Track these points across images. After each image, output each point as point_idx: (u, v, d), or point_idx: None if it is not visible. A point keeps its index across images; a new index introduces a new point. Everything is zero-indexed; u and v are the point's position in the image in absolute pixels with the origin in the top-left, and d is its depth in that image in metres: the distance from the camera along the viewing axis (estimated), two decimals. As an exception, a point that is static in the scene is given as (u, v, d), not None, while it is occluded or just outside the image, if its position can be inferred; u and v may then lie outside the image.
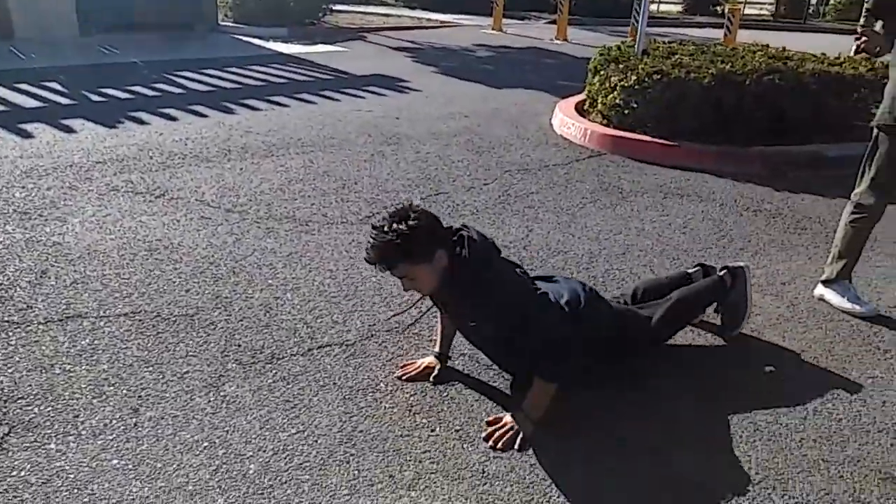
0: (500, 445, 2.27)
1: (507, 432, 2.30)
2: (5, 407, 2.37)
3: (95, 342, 2.77)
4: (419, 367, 2.64)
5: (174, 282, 3.30)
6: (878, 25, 2.93)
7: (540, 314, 2.36)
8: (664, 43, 7.26)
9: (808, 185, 5.13)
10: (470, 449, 2.27)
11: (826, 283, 3.36)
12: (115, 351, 2.72)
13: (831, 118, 5.89)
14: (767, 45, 7.11)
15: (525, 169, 5.34)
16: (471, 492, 2.09)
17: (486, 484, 2.12)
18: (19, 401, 2.40)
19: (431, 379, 2.60)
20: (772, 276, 3.65)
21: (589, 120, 6.39)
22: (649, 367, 2.75)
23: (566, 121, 6.42)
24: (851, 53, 6.69)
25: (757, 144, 5.66)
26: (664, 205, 4.68)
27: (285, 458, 2.19)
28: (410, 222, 2.22)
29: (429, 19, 15.99)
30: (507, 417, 2.35)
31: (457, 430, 2.36)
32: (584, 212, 4.49)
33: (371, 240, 2.28)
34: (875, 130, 3.11)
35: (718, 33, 13.66)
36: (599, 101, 6.29)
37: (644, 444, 2.32)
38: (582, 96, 7.16)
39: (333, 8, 14.35)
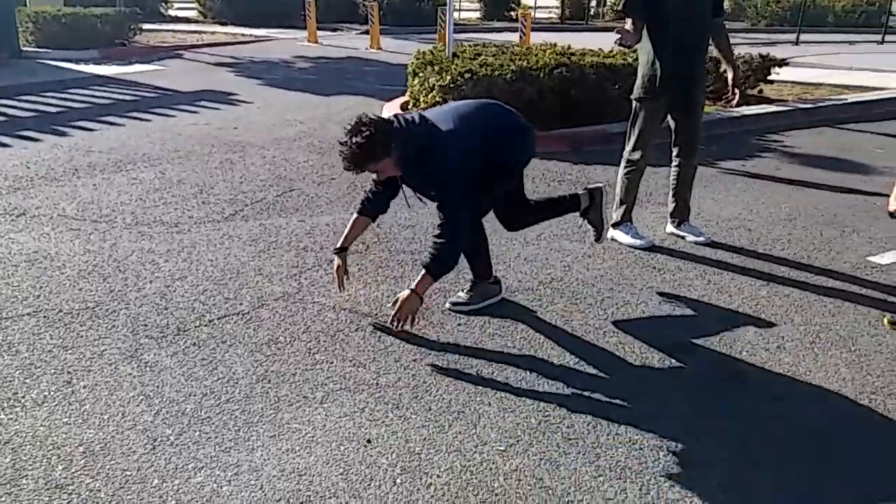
0: (395, 320, 3.02)
1: (398, 309, 3.01)
2: (-54, 395, 2.65)
3: (8, 338, 3.06)
4: (337, 274, 3.29)
5: (65, 284, 3.60)
6: (629, 23, 3.87)
7: (453, 197, 2.98)
8: (470, 46, 8.19)
9: (599, 157, 6.20)
10: (363, 371, 2.88)
11: (614, 225, 4.30)
12: (30, 343, 3.04)
13: (611, 101, 7.06)
14: (555, 44, 8.22)
15: (365, 163, 5.97)
16: (369, 398, 2.70)
17: (379, 392, 2.74)
18: (-43, 389, 2.69)
19: (338, 269, 3.28)
20: (574, 228, 4.54)
21: (414, 117, 7.14)
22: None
23: (394, 119, 7.12)
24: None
25: (556, 128, 6.68)
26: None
27: (213, 398, 2.69)
28: (365, 133, 2.83)
29: (243, 34, 16.14)
30: (400, 294, 3.05)
31: (351, 360, 2.96)
32: (421, 193, 5.20)
33: (341, 154, 2.92)
34: (634, 102, 4.07)
35: (515, 36, 15.02)
36: (422, 99, 7.06)
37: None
38: (405, 98, 7.92)
39: (143, 27, 14.13)
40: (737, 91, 4.11)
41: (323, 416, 2.59)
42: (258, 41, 15.44)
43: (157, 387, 2.75)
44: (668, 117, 4.09)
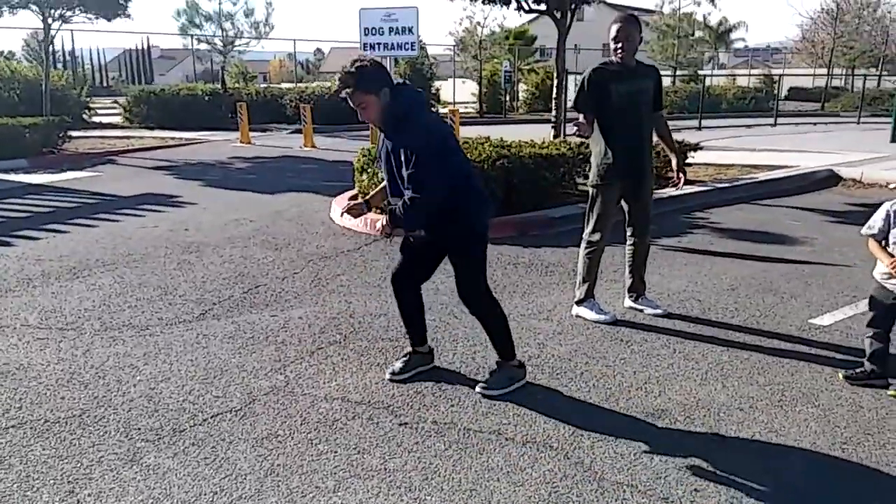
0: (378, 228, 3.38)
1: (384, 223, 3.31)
2: (-56, 514, 2.56)
3: (1, 451, 2.99)
4: (355, 202, 3.64)
5: (44, 394, 3.53)
6: (581, 118, 4.24)
7: (431, 165, 3.16)
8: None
9: (546, 241, 6.52)
10: (369, 457, 2.94)
11: (578, 303, 4.55)
12: (22, 455, 2.97)
13: (548, 187, 7.49)
14: (489, 138, 8.67)
15: (325, 256, 6.11)
16: (381, 483, 2.76)
17: (389, 477, 2.81)
18: (-45, 507, 2.61)
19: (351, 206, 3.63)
20: (540, 307, 4.78)
21: (364, 211, 7.35)
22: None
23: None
24: (551, 138, 8.51)
25: (502, 215, 7.01)
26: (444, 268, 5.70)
27: (225, 496, 2.69)
28: (363, 62, 3.19)
29: (172, 138, 16.20)
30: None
31: (354, 448, 3.02)
32: (388, 283, 5.35)
33: (339, 74, 3.20)
34: (591, 189, 4.40)
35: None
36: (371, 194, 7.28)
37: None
38: (353, 191, 8.15)
39: (72, 135, 14.04)
40: (681, 175, 4.50)
41: (339, 505, 2.63)
42: (189, 144, 15.52)
43: (165, 489, 2.73)
44: (622, 201, 4.43)
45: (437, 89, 27.79)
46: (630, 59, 4.19)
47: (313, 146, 14.71)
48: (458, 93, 29.30)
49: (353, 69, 3.18)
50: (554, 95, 10.07)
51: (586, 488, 2.71)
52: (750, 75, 38.15)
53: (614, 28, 4.12)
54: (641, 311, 4.62)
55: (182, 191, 9.58)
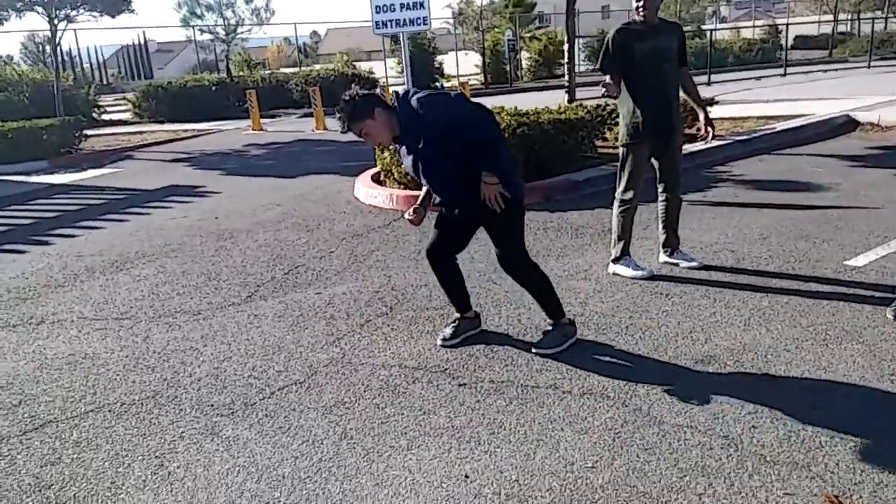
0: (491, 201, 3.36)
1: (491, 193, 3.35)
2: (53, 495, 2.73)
3: (84, 435, 3.15)
4: (416, 212, 3.65)
5: (115, 379, 3.69)
6: (607, 78, 4.30)
7: (468, 116, 3.27)
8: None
9: (572, 204, 6.61)
10: (435, 417, 3.08)
11: (614, 261, 4.65)
12: (107, 436, 3.13)
13: (568, 151, 7.56)
14: (503, 107, 8.71)
15: (357, 234, 6.23)
16: (451, 439, 2.90)
17: (458, 434, 2.94)
18: (68, 484, 2.77)
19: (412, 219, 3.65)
20: (576, 268, 4.88)
21: (388, 187, 7.47)
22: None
23: (371, 192, 7.44)
24: (566, 102, 8.53)
25: (526, 181, 7.09)
26: (476, 237, 5.81)
27: (306, 459, 2.84)
28: (346, 99, 3.38)
29: (184, 130, 16.31)
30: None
31: (420, 409, 3.15)
32: (423, 256, 5.47)
33: (340, 119, 3.41)
34: (621, 148, 4.48)
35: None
36: (394, 171, 7.39)
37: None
38: (375, 170, 8.26)
39: (87, 133, 14.18)
40: (709, 129, 4.57)
41: (415, 462, 2.77)
42: (202, 135, 15.63)
43: (249, 457, 2.88)
44: (652, 158, 4.50)
45: (441, 63, 27.70)
46: (653, 18, 4.24)
47: (325, 128, 14.77)
48: (461, 65, 29.16)
49: (339, 111, 3.40)
50: (566, 60, 10.07)
51: (648, 432, 2.84)
52: (754, 27, 37.69)
53: (636, -13, 4.17)
54: (677, 264, 4.71)
55: (204, 181, 9.71)
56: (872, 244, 4.90)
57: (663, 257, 4.79)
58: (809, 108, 11.26)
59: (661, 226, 4.73)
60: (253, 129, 15.53)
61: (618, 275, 4.61)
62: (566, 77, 10.20)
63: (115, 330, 4.39)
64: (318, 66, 24.27)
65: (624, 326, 3.85)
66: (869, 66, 21.13)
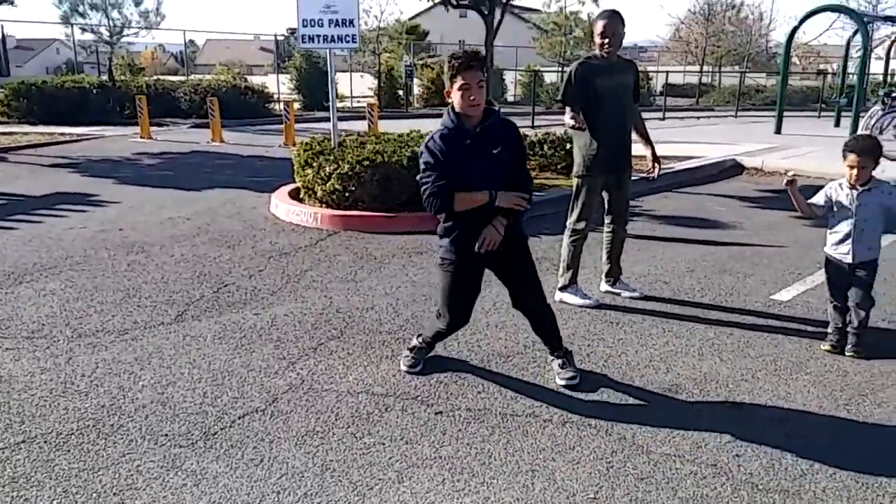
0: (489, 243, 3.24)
1: (492, 234, 3.23)
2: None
3: (19, 470, 2.77)
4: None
5: (43, 406, 3.29)
6: (568, 111, 4.37)
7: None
8: (344, 136, 8.47)
9: (501, 231, 6.66)
10: (419, 447, 2.95)
11: (562, 289, 4.70)
12: (47, 471, 2.77)
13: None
14: (419, 131, 8.67)
15: (284, 253, 5.96)
16: (441, 471, 2.78)
17: (448, 464, 2.83)
18: (-1, 529, 2.41)
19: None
20: (522, 295, 4.89)
21: (311, 205, 7.23)
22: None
23: (293, 209, 7.17)
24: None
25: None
26: (413, 262, 5.73)
27: (290, 494, 2.63)
28: (473, 52, 3.20)
29: (62, 133, 15.13)
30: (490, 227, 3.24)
31: (401, 439, 3.01)
32: (360, 276, 5.31)
33: (466, 56, 3.13)
34: (576, 179, 4.55)
35: (348, 125, 15.58)
36: (318, 189, 7.17)
37: (527, 408, 3.25)
38: (292, 186, 8.00)
39: (-51, 130, 12.87)
40: (656, 165, 4.74)
41: (411, 495, 2.63)
42: (83, 139, 14.56)
43: (224, 492, 2.64)
44: (603, 191, 4.61)
45: (336, 83, 27.37)
46: (614, 55, 4.37)
47: (222, 141, 14.19)
48: (355, 87, 29.02)
49: (472, 58, 3.12)
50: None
51: (638, 461, 2.84)
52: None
53: (601, 24, 4.28)
54: (618, 294, 4.83)
55: (97, 189, 9.02)
56: (790, 280, 5.23)
57: (605, 286, 4.90)
58: (698, 150, 12.01)
59: (605, 256, 4.84)
60: (141, 138, 14.67)
61: (565, 303, 4.66)
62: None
63: (28, 350, 3.94)
64: (207, 77, 23.29)
65: (585, 355, 3.88)
66: (736, 116, 22.90)
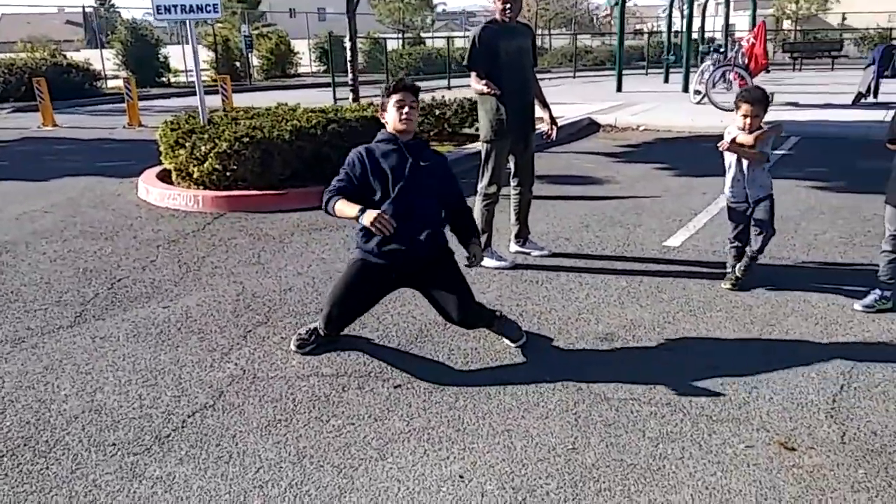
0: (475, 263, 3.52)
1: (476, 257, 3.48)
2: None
3: (-47, 504, 2.47)
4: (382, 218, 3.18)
5: (-47, 431, 2.93)
6: (473, 76, 4.41)
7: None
8: (214, 112, 8.04)
9: (392, 201, 6.63)
10: (389, 422, 2.93)
11: (477, 253, 4.78)
12: (8, 499, 2.49)
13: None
14: (299, 104, 8.41)
15: (172, 241, 5.60)
16: (421, 443, 2.79)
17: (424, 436, 2.84)
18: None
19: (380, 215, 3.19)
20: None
21: (186, 188, 6.82)
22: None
23: (168, 193, 6.73)
24: (351, 101, 8.45)
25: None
26: (315, 238, 5.59)
27: (274, 487, 2.54)
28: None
29: None
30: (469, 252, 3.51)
31: (368, 416, 2.98)
32: (264, 258, 5.11)
33: (402, 80, 3.48)
34: (484, 144, 4.62)
35: (187, 101, 14.74)
36: (194, 170, 6.76)
37: (483, 371, 3.31)
38: (157, 169, 7.50)
39: None
40: (554, 126, 4.90)
41: (398, 470, 2.62)
42: None
43: (202, 495, 2.50)
44: (510, 154, 4.71)
45: (166, 57, 25.68)
46: (514, 19, 4.44)
47: (55, 125, 12.96)
48: (188, 60, 27.32)
49: (403, 85, 3.41)
50: (349, 58, 10.00)
51: (602, 408, 3.00)
52: (465, 37, 40.75)
53: (502, -12, 4.33)
54: (529, 253, 4.99)
55: (-78, 185, 7.97)
56: (674, 227, 5.64)
57: (515, 247, 5.04)
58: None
59: (513, 217, 4.97)
60: (-45, 125, 13.07)
61: (482, 266, 4.74)
62: (350, 75, 10.13)
63: (-89, 371, 3.47)
64: (21, 55, 21.00)
65: (518, 313, 3.99)
66: (574, 76, 24.04)
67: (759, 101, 4.04)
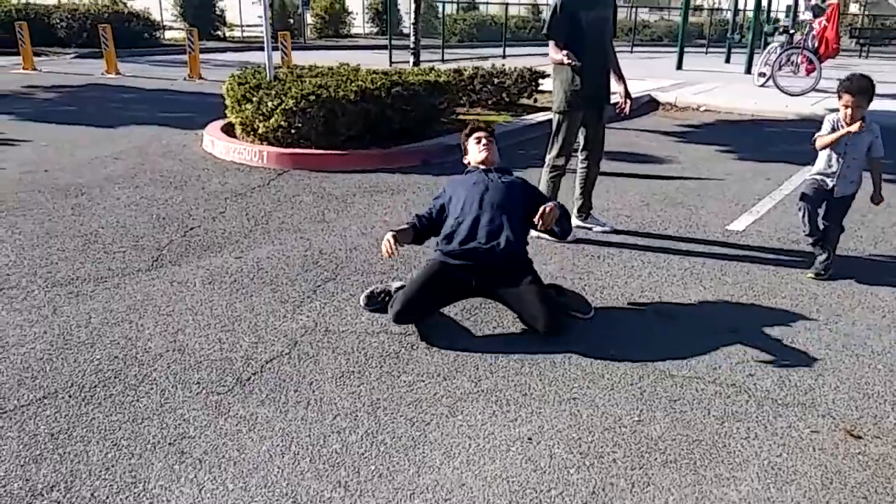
0: (549, 219, 3.47)
1: (552, 210, 3.46)
2: None
3: (53, 427, 2.64)
4: (395, 240, 3.44)
5: (49, 360, 3.11)
6: (552, 45, 4.41)
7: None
8: (278, 69, 8.14)
9: (452, 168, 6.67)
10: (458, 381, 3.03)
11: (539, 225, 4.83)
12: (86, 425, 2.65)
13: (435, 114, 7.63)
14: (359, 65, 8.49)
15: (238, 194, 5.75)
16: (490, 404, 2.88)
17: (493, 397, 2.93)
18: (75, 484, 2.31)
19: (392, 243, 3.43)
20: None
21: (252, 143, 6.96)
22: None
23: (233, 147, 6.88)
24: (411, 65, 8.55)
25: (402, 144, 7.05)
26: (377, 201, 5.69)
27: (350, 433, 2.66)
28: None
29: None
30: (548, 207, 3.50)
31: (438, 375, 3.08)
32: (329, 216, 5.23)
33: (477, 125, 4.00)
34: (556, 115, 4.63)
35: (243, 56, 14.87)
36: (260, 125, 6.89)
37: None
38: (222, 122, 7.66)
39: None
40: (628, 100, 4.89)
41: (468, 428, 2.72)
42: (-46, 70, 13.19)
43: (283, 436, 2.63)
44: (582, 127, 4.72)
45: (223, 10, 25.88)
46: (594, -13, 4.42)
47: (118, 73, 13.24)
48: (244, 14, 27.48)
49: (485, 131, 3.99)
50: (412, 21, 10.02)
51: (667, 384, 3.05)
52: (520, 4, 40.14)
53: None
54: (590, 228, 5.01)
55: (-1, 126, 8.26)
56: (738, 212, 5.60)
57: (577, 221, 5.06)
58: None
59: (577, 191, 5.00)
60: (25, 69, 13.43)
61: (542, 238, 4.79)
62: (412, 39, 10.15)
63: (3, 302, 3.67)
64: (85, 0, 21.35)
65: (581, 287, 4.04)
66: (632, 51, 23.59)
67: (864, 91, 3.91)
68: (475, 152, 3.87)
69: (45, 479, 2.36)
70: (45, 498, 2.27)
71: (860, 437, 2.71)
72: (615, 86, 4.89)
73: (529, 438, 2.66)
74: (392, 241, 3.41)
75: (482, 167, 3.81)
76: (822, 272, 4.21)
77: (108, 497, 2.29)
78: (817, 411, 2.88)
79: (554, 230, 3.66)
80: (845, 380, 3.12)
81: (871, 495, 2.40)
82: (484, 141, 3.85)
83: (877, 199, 4.19)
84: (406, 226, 3.67)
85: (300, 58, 14.69)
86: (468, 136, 3.94)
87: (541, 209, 3.47)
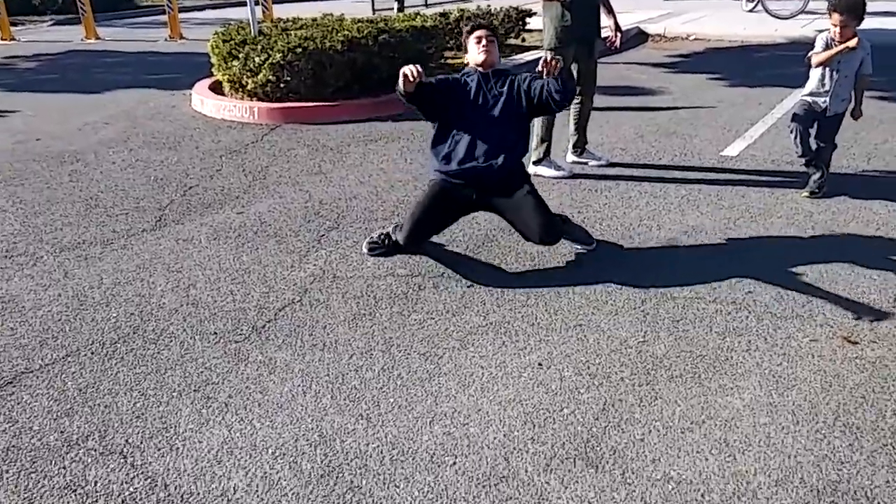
0: (553, 66, 3.36)
1: (555, 62, 3.36)
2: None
3: (80, 382, 2.73)
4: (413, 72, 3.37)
5: (68, 321, 3.19)
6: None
7: None
8: (261, 23, 8.03)
9: (444, 112, 6.68)
10: (466, 317, 3.12)
11: (536, 162, 4.87)
12: (111, 379, 2.74)
13: (424, 59, 7.57)
14: (342, 14, 8.36)
15: (233, 151, 5.76)
16: (499, 335, 2.98)
17: (501, 329, 3.03)
18: (109, 433, 2.41)
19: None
20: (494, 171, 5.03)
21: (241, 99, 6.92)
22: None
23: (223, 105, 6.85)
24: (396, 11, 8.40)
25: (386, 92, 7.00)
26: (372, 150, 5.71)
27: (366, 370, 2.75)
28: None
29: None
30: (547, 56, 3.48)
31: (447, 312, 3.17)
32: (325, 168, 5.26)
33: (478, 22, 3.87)
34: (548, 52, 4.62)
35: (221, 13, 14.62)
36: (248, 81, 6.84)
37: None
38: (208, 82, 7.60)
39: None
40: (619, 34, 4.88)
41: (480, 358, 2.82)
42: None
43: (303, 377, 2.73)
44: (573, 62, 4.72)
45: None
46: (581, -78, 4.37)
47: (97, 37, 13.02)
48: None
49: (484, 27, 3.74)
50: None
51: (669, 306, 3.15)
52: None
53: None
54: (586, 163, 5.06)
55: (-18, 98, 8.18)
56: (731, 138, 5.64)
57: (572, 157, 5.11)
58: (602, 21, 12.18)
59: (572, 127, 5.02)
60: (3, 40, 13.19)
61: (539, 175, 4.84)
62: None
63: (14, 269, 3.73)
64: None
65: (581, 220, 4.10)
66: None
67: (855, 9, 3.92)
68: (474, 53, 3.64)
69: (78, 429, 2.46)
70: (80, 447, 2.37)
71: (857, 343, 2.82)
72: (605, 20, 4.87)
73: (540, 364, 2.77)
74: (414, 69, 3.37)
75: (480, 70, 3.63)
76: (817, 191, 4.28)
77: (141, 442, 2.39)
78: (815, 321, 2.99)
79: (553, 97, 3.46)
80: (841, 291, 3.22)
81: (868, 395, 2.51)
82: (484, 42, 3.61)
83: (857, 113, 4.25)
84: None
85: (281, 10, 14.42)
86: (469, 33, 3.70)
87: (541, 61, 3.39)
